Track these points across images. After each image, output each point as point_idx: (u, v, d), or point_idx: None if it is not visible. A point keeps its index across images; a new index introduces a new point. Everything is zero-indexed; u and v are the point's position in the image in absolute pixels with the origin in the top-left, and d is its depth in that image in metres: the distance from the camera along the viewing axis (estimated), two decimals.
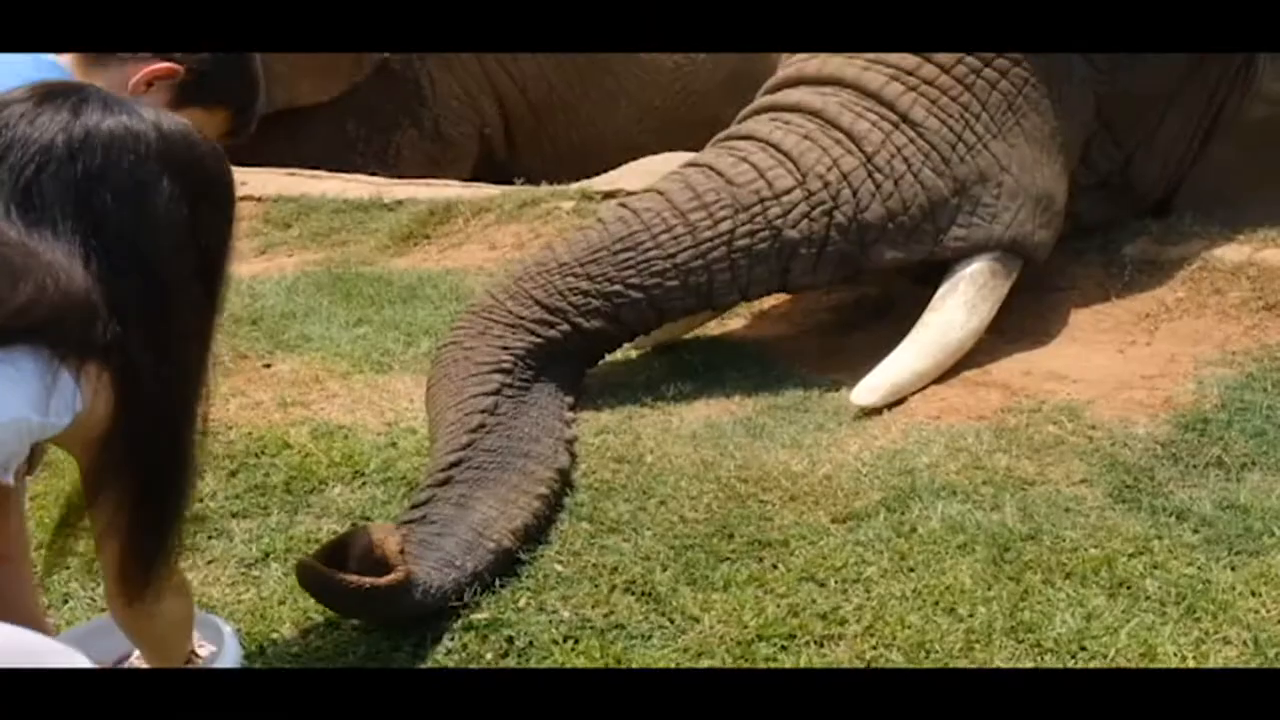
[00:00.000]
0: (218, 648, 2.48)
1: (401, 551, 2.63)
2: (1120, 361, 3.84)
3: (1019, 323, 4.09)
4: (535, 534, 2.94)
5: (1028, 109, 3.83)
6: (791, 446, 3.35)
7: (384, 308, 4.53)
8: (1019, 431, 3.39)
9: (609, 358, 3.85)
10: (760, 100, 3.95)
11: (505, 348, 3.34)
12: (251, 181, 6.20)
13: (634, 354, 4.02)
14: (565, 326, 3.46)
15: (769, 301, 4.34)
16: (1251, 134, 4.39)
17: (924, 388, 3.65)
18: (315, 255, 5.25)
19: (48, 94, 1.93)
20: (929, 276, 3.89)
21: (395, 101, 7.26)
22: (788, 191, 3.62)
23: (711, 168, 3.69)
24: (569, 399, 3.44)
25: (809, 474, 3.20)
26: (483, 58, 7.32)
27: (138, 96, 2.30)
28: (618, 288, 3.52)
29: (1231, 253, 4.23)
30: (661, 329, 3.85)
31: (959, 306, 3.73)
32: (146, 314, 1.93)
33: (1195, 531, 2.91)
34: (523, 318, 3.43)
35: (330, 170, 6.40)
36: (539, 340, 3.40)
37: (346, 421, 3.54)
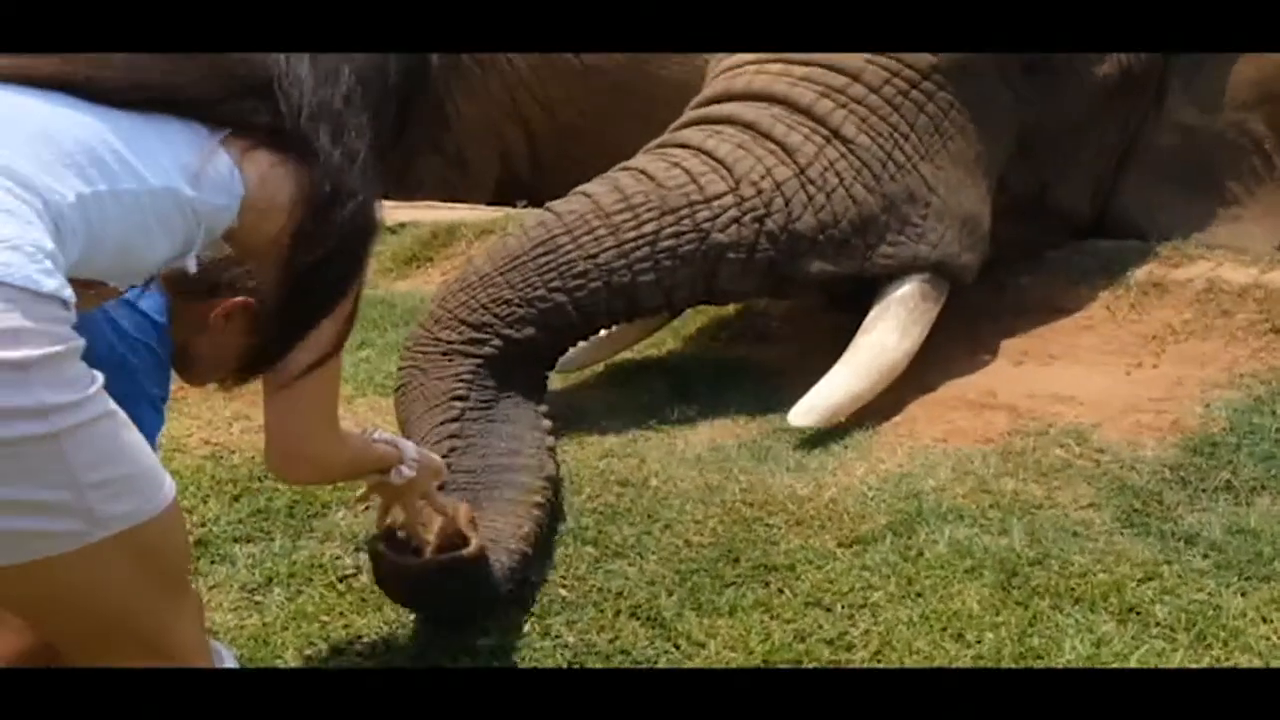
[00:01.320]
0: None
1: (472, 522, 2.61)
2: (1127, 384, 3.82)
3: (1024, 345, 4.08)
4: (542, 547, 2.93)
5: (954, 132, 3.85)
6: (796, 470, 3.34)
7: (387, 331, 4.52)
8: (1026, 455, 3.37)
9: (609, 380, 3.85)
10: (690, 114, 3.92)
11: (452, 376, 3.29)
12: None
13: (635, 375, 4.00)
14: (497, 341, 3.38)
15: (772, 323, 4.32)
16: (1163, 163, 4.49)
17: (863, 406, 3.63)
18: None
19: None
20: (848, 301, 3.90)
21: (418, 127, 7.25)
22: (719, 196, 3.58)
23: (642, 171, 3.65)
24: (539, 406, 3.39)
25: (814, 498, 3.18)
26: (510, 83, 7.31)
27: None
28: (540, 293, 3.45)
29: (1238, 275, 4.23)
30: (609, 340, 3.88)
31: (891, 329, 3.70)
32: (338, 116, 2.00)
33: (1205, 557, 2.89)
34: (453, 342, 3.36)
35: None
36: (478, 359, 3.34)
37: None
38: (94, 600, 1.83)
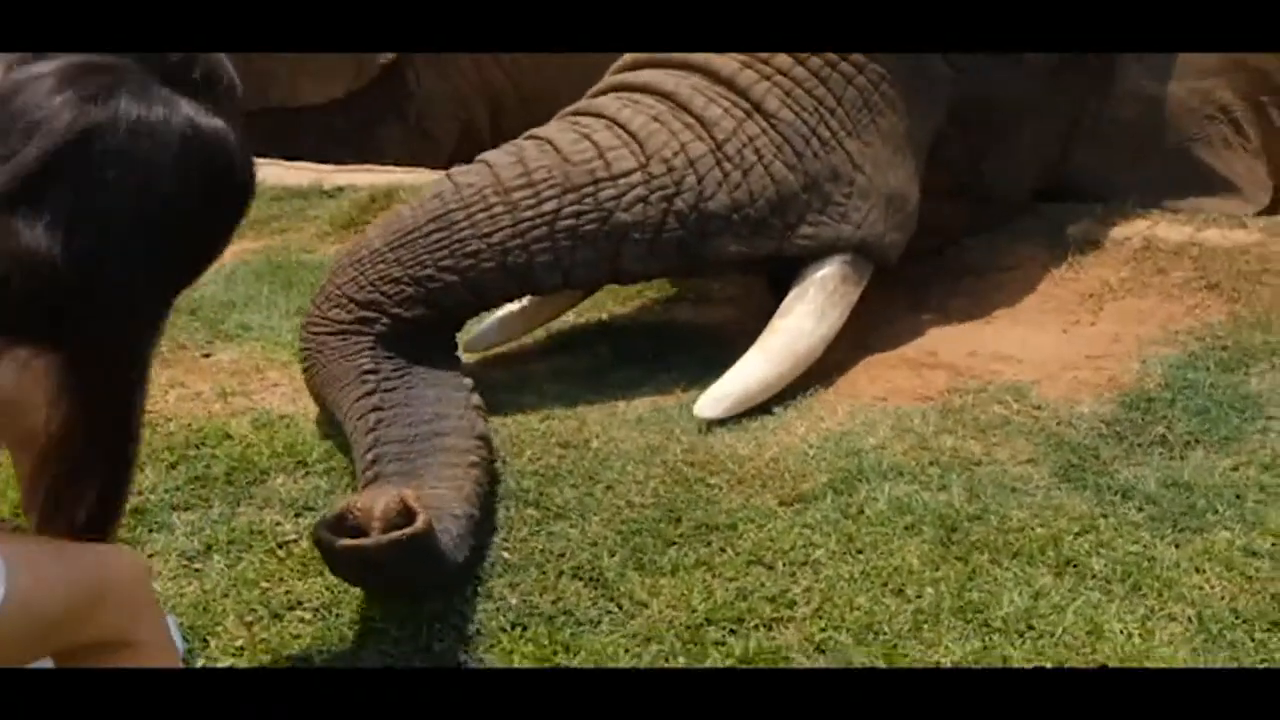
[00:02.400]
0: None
1: (416, 498, 2.52)
2: (1065, 341, 3.85)
3: (964, 304, 4.10)
4: (486, 506, 2.91)
5: (884, 106, 3.70)
6: (738, 430, 3.34)
7: None
8: (965, 412, 3.39)
9: (550, 342, 3.83)
10: (609, 79, 3.80)
11: (354, 353, 3.22)
12: None
13: (576, 337, 4.00)
14: (386, 320, 3.28)
15: (714, 286, 4.32)
16: (1122, 134, 4.43)
17: (779, 391, 3.52)
18: (254, 243, 5.18)
19: (80, 71, 1.84)
20: (780, 279, 3.80)
21: (382, 97, 7.20)
22: (626, 174, 3.44)
23: (550, 142, 3.50)
24: (456, 365, 3.36)
25: (756, 457, 3.19)
26: (477, 54, 7.27)
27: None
28: (429, 271, 3.32)
29: (1174, 233, 4.27)
30: (532, 308, 3.83)
31: (808, 314, 3.59)
32: (113, 303, 1.85)
33: (1140, 510, 2.93)
34: (344, 322, 3.27)
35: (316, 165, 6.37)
36: (370, 338, 3.25)
37: (288, 411, 3.49)
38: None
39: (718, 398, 3.40)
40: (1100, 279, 4.15)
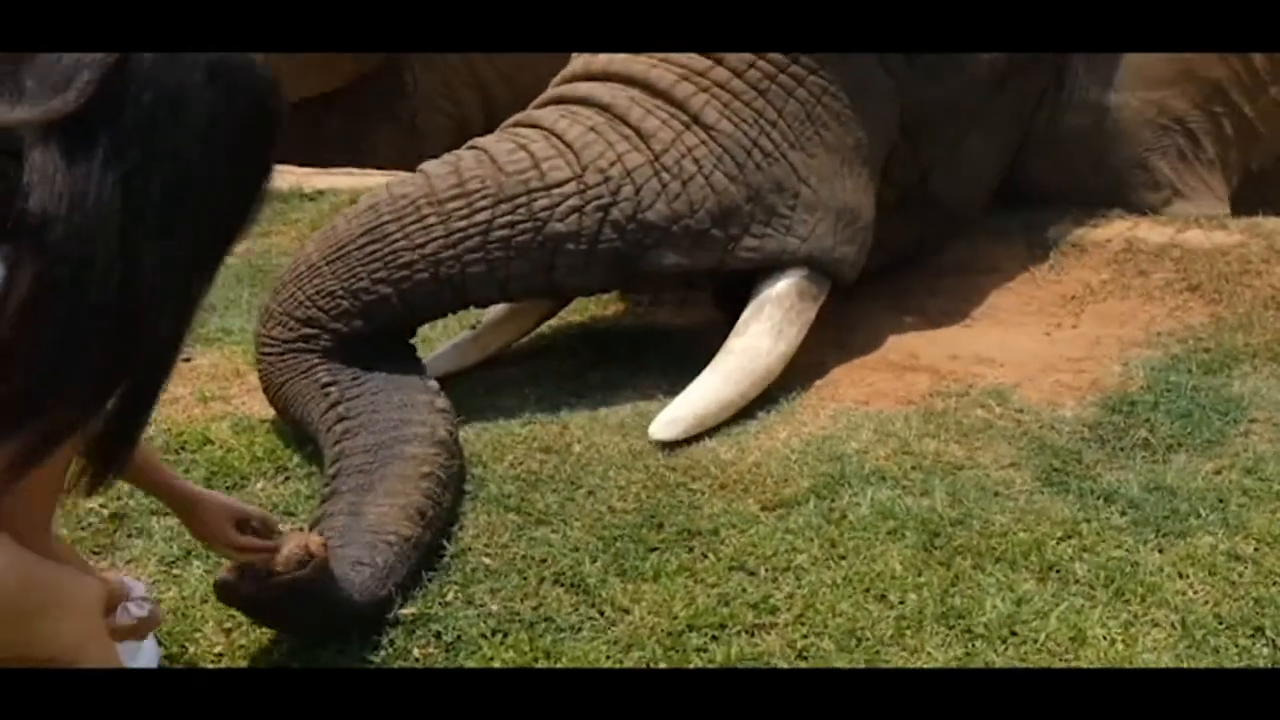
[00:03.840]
0: (136, 648, 2.42)
1: (323, 545, 2.52)
2: (1046, 344, 3.85)
3: (945, 307, 4.10)
4: (441, 517, 2.89)
5: (828, 118, 3.67)
6: (720, 434, 3.33)
7: None
8: (947, 416, 3.39)
9: (531, 346, 3.82)
10: (550, 92, 3.76)
11: (307, 368, 3.22)
12: None
13: (557, 341, 3.98)
14: (326, 337, 3.26)
15: (693, 290, 4.31)
16: (1070, 142, 4.43)
17: (721, 410, 3.44)
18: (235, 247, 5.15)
19: None
20: (724, 297, 3.79)
21: (375, 96, 7.17)
22: (560, 184, 3.40)
23: (486, 151, 3.47)
24: (417, 367, 3.35)
25: (738, 462, 3.18)
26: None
27: None
28: (364, 284, 3.30)
29: (1155, 235, 4.28)
30: (486, 333, 3.83)
31: (764, 332, 3.55)
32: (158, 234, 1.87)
33: (1123, 514, 2.93)
34: (288, 340, 3.27)
35: (302, 164, 6.34)
36: (317, 353, 3.24)
37: (268, 415, 3.47)
38: None
39: (673, 419, 3.34)
40: (1081, 281, 4.16)
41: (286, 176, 5.96)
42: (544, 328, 4.05)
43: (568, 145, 3.46)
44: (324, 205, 5.47)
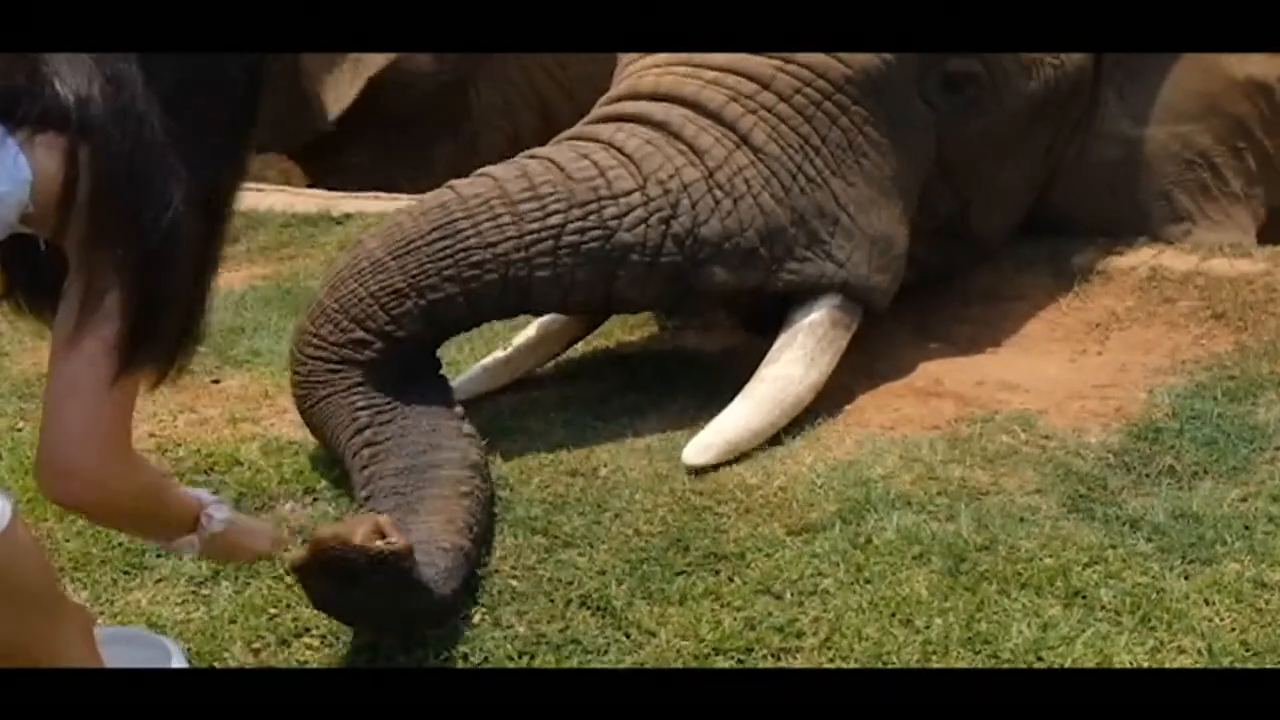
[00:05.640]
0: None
1: (394, 524, 2.48)
2: (1072, 371, 3.85)
3: (971, 333, 4.10)
4: (481, 536, 2.91)
5: (868, 148, 3.69)
6: (745, 459, 3.34)
7: None
8: (973, 442, 3.39)
9: (558, 371, 3.84)
10: (599, 111, 3.77)
11: (345, 389, 3.19)
12: None
13: (584, 365, 4.00)
14: (376, 345, 3.23)
15: (719, 312, 4.32)
16: (1101, 174, 4.43)
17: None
18: (263, 270, 5.20)
19: None
20: (757, 321, 3.80)
21: (439, 115, 7.22)
22: (627, 194, 3.41)
23: (551, 160, 3.47)
24: (445, 393, 3.34)
25: (764, 486, 3.19)
26: (527, 65, 7.28)
27: None
28: (432, 281, 3.27)
29: (1180, 262, 4.27)
30: (517, 357, 3.83)
31: (797, 360, 3.55)
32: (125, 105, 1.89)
33: (1149, 540, 2.92)
34: (337, 345, 3.23)
35: (371, 185, 6.44)
36: (361, 368, 3.21)
37: (297, 437, 3.49)
38: None
39: (706, 445, 3.34)
40: (1107, 308, 4.15)
41: (314, 200, 6.02)
42: (571, 352, 4.06)
43: (628, 157, 3.48)
44: (351, 229, 5.50)
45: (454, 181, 3.48)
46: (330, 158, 6.94)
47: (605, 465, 3.30)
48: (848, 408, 3.65)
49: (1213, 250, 4.36)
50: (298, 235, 5.57)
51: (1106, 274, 4.28)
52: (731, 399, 3.51)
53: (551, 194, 3.38)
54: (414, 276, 3.27)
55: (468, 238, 3.31)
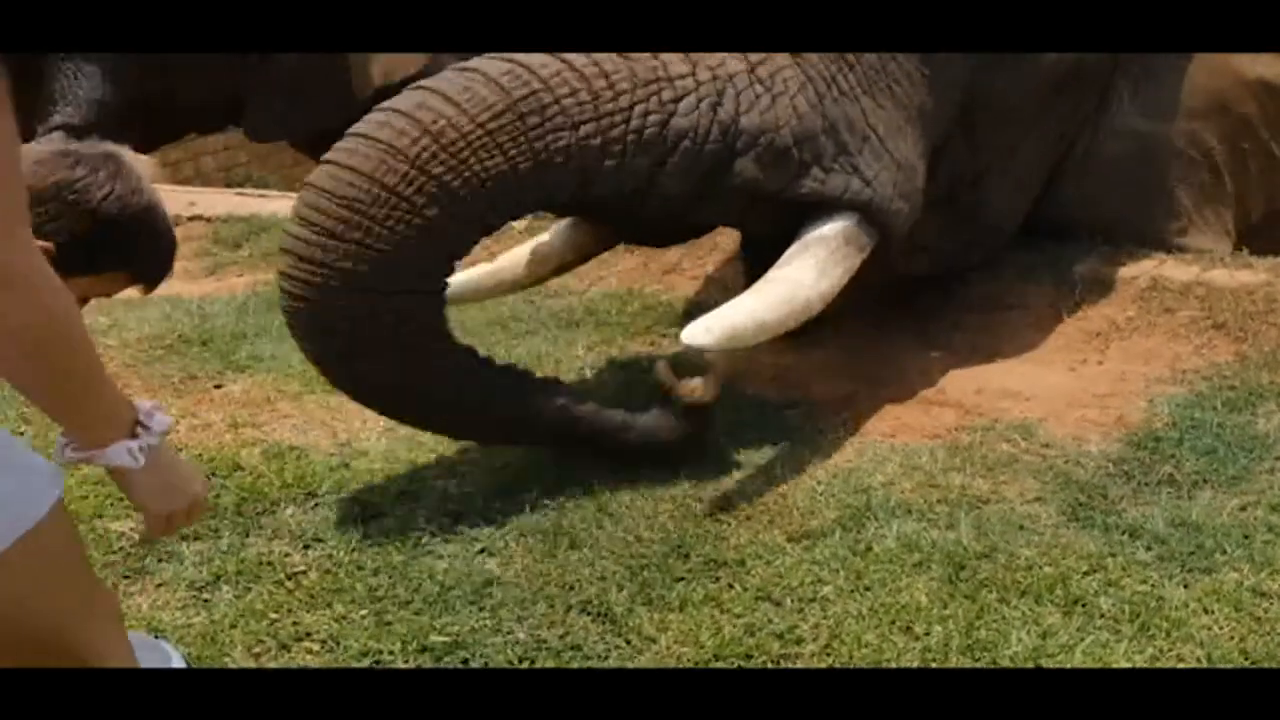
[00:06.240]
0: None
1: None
2: (1072, 380, 3.86)
3: (971, 341, 4.11)
4: (491, 541, 2.94)
5: (899, 75, 3.61)
6: (746, 466, 3.35)
7: None
8: (973, 450, 3.40)
9: (566, 373, 3.85)
10: None
11: (436, 321, 3.10)
12: (201, 202, 6.16)
13: (589, 372, 4.01)
14: (480, 224, 3.07)
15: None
16: (1108, 169, 4.43)
17: (766, 340, 3.36)
18: (266, 275, 5.20)
19: None
20: (757, 251, 3.68)
21: None
22: (681, 76, 3.25)
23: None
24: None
25: (764, 493, 3.20)
26: None
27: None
28: (530, 163, 3.05)
29: (1180, 273, 4.28)
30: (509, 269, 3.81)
31: (809, 266, 3.39)
32: None
33: (1148, 549, 2.93)
34: (447, 230, 3.02)
35: None
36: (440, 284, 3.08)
37: (299, 442, 3.50)
38: None
39: (707, 328, 3.20)
40: (1107, 317, 4.16)
41: None
42: (572, 356, 4.07)
43: None
44: None
45: (498, 54, 3.17)
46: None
47: (606, 471, 3.30)
48: (848, 415, 3.65)
49: (1213, 261, 4.37)
50: None
51: (1107, 283, 4.29)
52: (734, 407, 3.51)
53: (615, 70, 3.19)
54: (509, 155, 3.04)
55: (554, 115, 3.09)
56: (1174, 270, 4.30)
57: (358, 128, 3.07)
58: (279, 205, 6.05)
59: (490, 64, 3.11)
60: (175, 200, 5.89)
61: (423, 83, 3.15)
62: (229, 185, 7.52)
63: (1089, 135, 4.42)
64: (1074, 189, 4.43)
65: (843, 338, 4.07)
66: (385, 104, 3.12)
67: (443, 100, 3.05)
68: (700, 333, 3.18)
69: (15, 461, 1.84)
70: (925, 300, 4.15)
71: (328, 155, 3.07)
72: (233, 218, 5.95)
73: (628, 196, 3.26)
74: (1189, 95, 4.47)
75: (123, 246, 2.16)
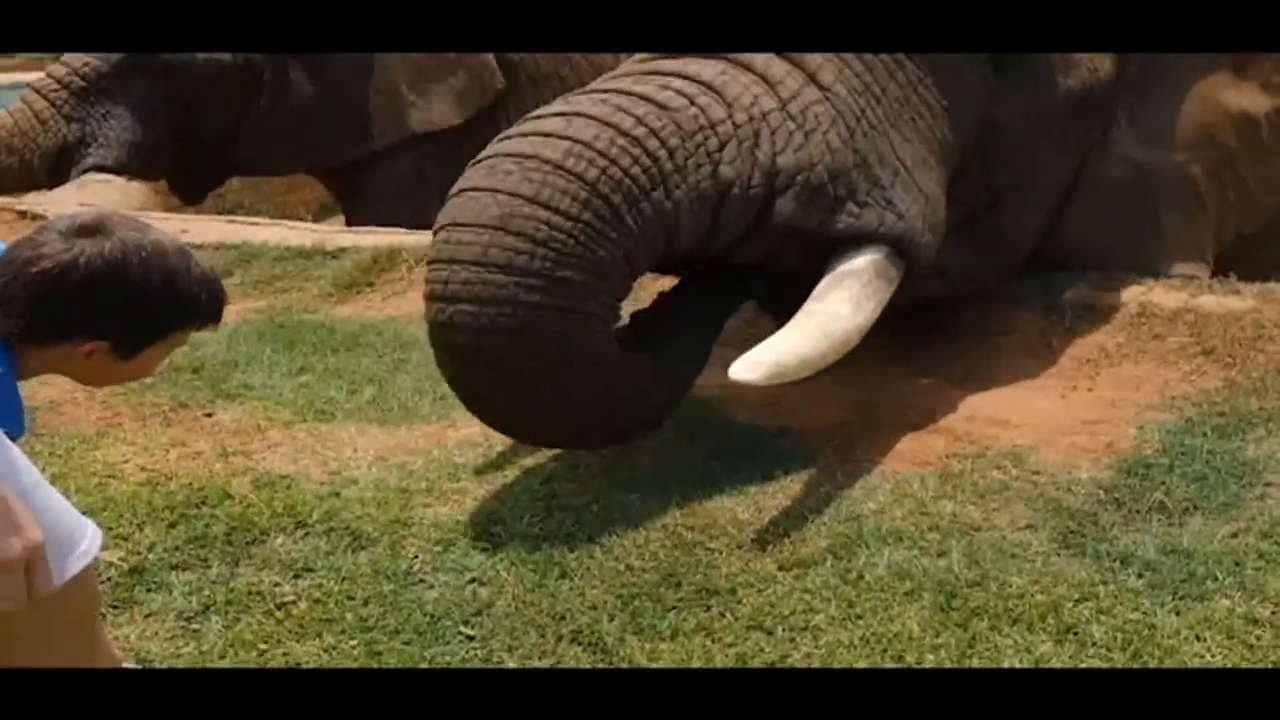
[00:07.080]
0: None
1: None
2: (1063, 407, 3.87)
3: (962, 369, 4.12)
4: (483, 572, 2.91)
5: (922, 108, 3.69)
6: (737, 494, 3.34)
7: (326, 356, 4.50)
8: (964, 477, 3.40)
9: None
10: (637, 66, 3.57)
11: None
12: (192, 229, 6.15)
13: None
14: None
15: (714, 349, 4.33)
16: (1109, 194, 4.45)
17: (809, 376, 3.36)
18: (257, 303, 5.20)
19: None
20: (780, 297, 3.68)
21: (476, 141, 7.30)
22: (719, 122, 3.29)
23: (630, 93, 3.30)
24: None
25: (755, 521, 3.19)
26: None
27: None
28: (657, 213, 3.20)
29: (1169, 299, 4.30)
30: None
31: (844, 300, 3.41)
32: None
33: (1139, 576, 2.93)
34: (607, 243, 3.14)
35: (400, 206, 6.59)
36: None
37: (289, 471, 3.50)
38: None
39: (755, 363, 3.21)
40: (1097, 344, 4.17)
41: (308, 234, 6.03)
42: None
43: (706, 84, 3.36)
44: (345, 263, 5.52)
45: (551, 113, 3.33)
46: (363, 177, 7.28)
47: (597, 501, 3.30)
48: (839, 442, 3.65)
49: (1201, 288, 4.38)
50: (291, 268, 5.58)
51: (1097, 310, 4.30)
52: (725, 435, 3.51)
53: (662, 126, 3.24)
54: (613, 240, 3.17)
55: (628, 189, 3.18)
56: (1162, 296, 4.32)
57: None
58: (270, 233, 6.05)
59: (548, 145, 3.21)
60: (166, 227, 5.89)
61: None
62: (220, 212, 7.50)
63: (1095, 162, 4.43)
64: (1074, 214, 4.44)
65: (833, 365, 4.07)
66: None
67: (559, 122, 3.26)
68: (748, 368, 3.20)
69: (70, 507, 1.85)
70: (916, 328, 4.15)
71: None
72: (224, 245, 5.95)
73: (693, 251, 3.35)
74: (1181, 126, 4.50)
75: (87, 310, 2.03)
